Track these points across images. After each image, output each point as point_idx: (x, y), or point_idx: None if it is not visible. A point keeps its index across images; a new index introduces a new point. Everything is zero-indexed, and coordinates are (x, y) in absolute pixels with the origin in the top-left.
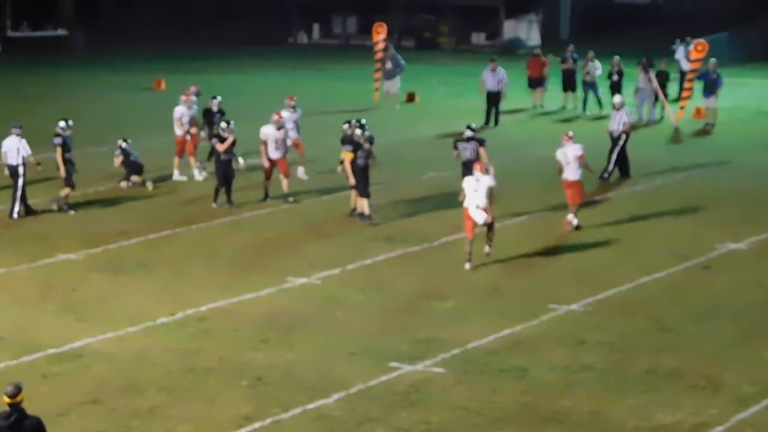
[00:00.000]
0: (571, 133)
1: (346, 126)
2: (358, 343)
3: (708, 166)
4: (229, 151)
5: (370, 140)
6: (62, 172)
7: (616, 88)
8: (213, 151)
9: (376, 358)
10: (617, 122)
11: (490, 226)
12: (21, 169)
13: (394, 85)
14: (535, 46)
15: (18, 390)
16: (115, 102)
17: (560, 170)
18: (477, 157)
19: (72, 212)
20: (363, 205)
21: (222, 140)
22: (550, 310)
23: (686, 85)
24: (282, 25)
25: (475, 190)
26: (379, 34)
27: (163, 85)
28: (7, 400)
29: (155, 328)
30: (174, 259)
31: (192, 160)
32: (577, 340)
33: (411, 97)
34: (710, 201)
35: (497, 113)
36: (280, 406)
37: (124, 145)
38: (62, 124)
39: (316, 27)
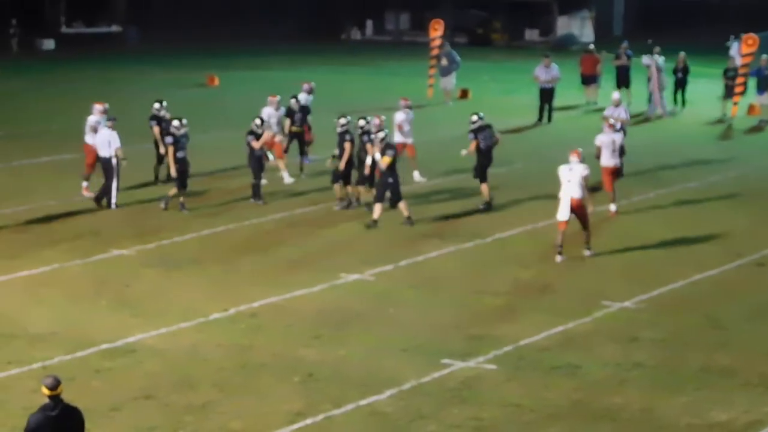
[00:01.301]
0: (612, 121)
1: (344, 120)
2: (410, 339)
3: (762, 163)
4: (263, 147)
5: (387, 146)
6: (173, 171)
7: (681, 84)
8: (248, 148)
9: (428, 354)
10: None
11: (584, 224)
12: (114, 161)
13: (450, 82)
14: (589, 43)
15: (57, 382)
16: (167, 98)
17: (599, 156)
18: (494, 143)
19: (186, 212)
20: (375, 209)
21: (258, 137)
22: (603, 307)
23: (739, 80)
24: (334, 21)
25: (569, 180)
26: (436, 30)
27: (217, 82)
28: (47, 392)
29: (208, 323)
30: (227, 255)
31: (281, 162)
32: (629, 337)
33: (464, 94)
34: (764, 198)
35: (550, 110)
36: (332, 403)
37: (158, 110)
38: (176, 123)
39: (369, 23)
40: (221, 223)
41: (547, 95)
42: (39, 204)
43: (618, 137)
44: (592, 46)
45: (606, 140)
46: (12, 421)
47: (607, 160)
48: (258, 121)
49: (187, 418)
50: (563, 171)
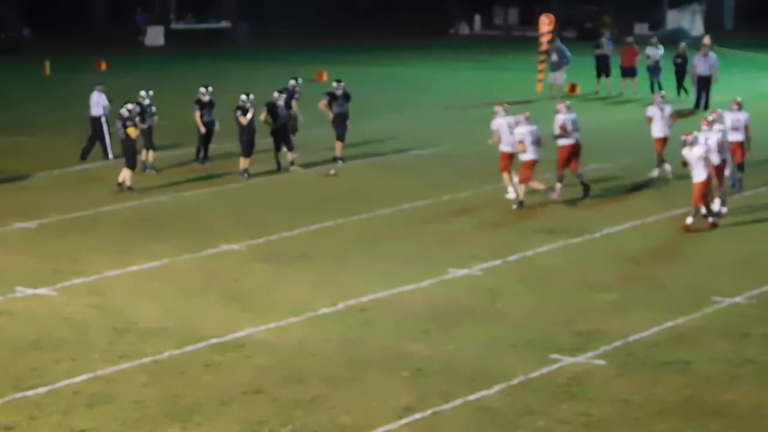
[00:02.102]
0: (663, 93)
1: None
2: (519, 334)
3: None
4: (252, 123)
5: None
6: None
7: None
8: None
9: (537, 349)
10: None
11: (718, 185)
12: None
13: (560, 77)
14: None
15: None
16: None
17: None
18: None
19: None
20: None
21: (245, 112)
22: (713, 302)
23: None
24: (443, 16)
25: (706, 149)
26: (546, 25)
27: (325, 77)
28: None
29: (316, 318)
30: (335, 250)
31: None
32: (740, 333)
33: (572, 89)
34: None
35: (707, 97)
36: (441, 397)
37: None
38: (243, 97)
39: (477, 18)
40: (329, 218)
41: (704, 83)
42: (149, 199)
43: (668, 108)
44: (631, 39)
45: (656, 112)
46: (123, 414)
47: (659, 131)
48: (244, 96)
49: (296, 412)
50: (686, 153)
